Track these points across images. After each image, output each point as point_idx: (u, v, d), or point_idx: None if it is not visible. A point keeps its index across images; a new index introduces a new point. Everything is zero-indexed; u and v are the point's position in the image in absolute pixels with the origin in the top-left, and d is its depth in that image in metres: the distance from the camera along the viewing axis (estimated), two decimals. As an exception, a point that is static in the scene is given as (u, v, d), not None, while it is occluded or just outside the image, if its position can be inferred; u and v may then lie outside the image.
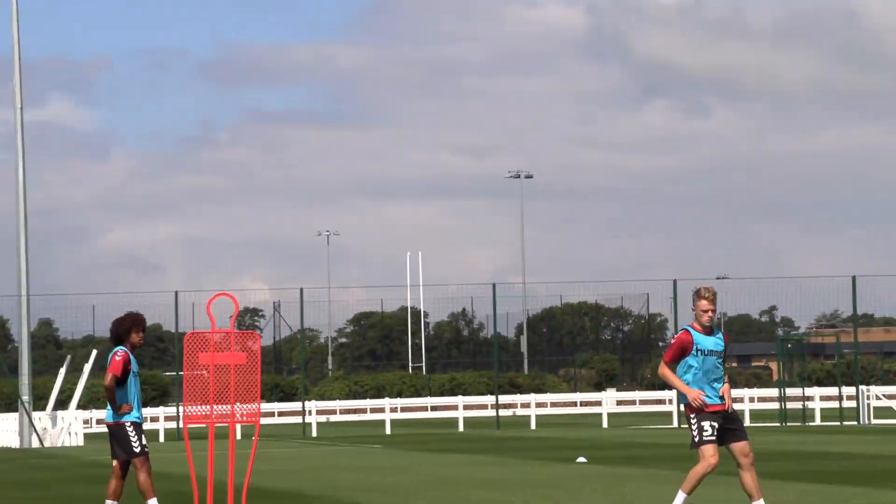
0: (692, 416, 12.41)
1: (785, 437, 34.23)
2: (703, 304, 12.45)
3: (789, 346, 55.52)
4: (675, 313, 51.76)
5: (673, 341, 12.60)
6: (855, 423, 46.13)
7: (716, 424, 12.34)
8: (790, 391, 49.97)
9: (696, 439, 12.39)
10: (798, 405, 48.87)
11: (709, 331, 12.51)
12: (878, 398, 50.41)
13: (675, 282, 49.52)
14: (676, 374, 12.49)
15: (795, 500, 14.99)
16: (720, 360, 12.48)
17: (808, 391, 51.98)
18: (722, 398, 12.41)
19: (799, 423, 46.07)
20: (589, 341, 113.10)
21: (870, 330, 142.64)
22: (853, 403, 48.01)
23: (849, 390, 49.98)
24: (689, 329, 12.53)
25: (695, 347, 12.41)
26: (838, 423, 45.51)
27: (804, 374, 63.25)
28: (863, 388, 48.61)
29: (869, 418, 47.40)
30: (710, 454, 12.30)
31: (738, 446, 12.44)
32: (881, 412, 49.73)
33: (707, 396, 12.40)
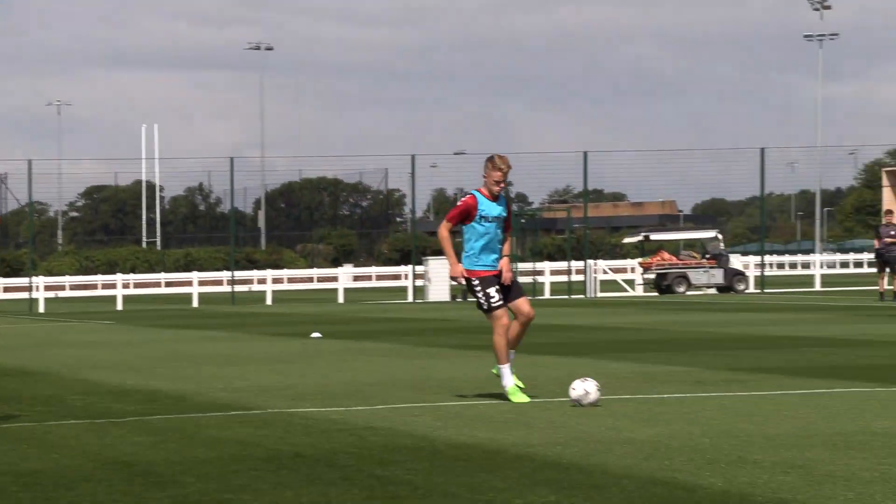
0: (475, 283, 12.57)
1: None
2: (498, 174, 12.52)
3: (523, 221, 56.69)
4: (413, 189, 52.21)
5: (459, 203, 12.60)
6: (583, 296, 47.57)
7: (499, 287, 12.56)
8: (522, 265, 51.22)
9: (486, 306, 12.56)
10: (529, 279, 50.18)
11: (494, 198, 12.62)
12: (605, 272, 52.07)
13: (413, 157, 49.89)
14: (465, 241, 12.63)
15: (524, 373, 15.38)
16: (502, 229, 12.64)
17: (539, 266, 53.39)
18: (496, 265, 12.62)
19: (529, 297, 47.26)
20: (327, 217, 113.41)
21: (599, 205, 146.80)
22: (582, 277, 49.47)
23: (578, 264, 51.45)
24: (477, 194, 12.59)
25: (479, 214, 12.52)
26: (567, 297, 46.88)
27: (536, 248, 64.76)
28: (591, 262, 50.08)
29: (596, 291, 48.94)
30: (501, 315, 12.53)
31: (519, 303, 12.68)
32: (607, 285, 51.41)
33: (484, 265, 12.58)
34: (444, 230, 12.75)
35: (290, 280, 58.17)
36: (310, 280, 59.20)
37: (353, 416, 11.76)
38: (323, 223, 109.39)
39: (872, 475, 8.20)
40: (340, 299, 48.78)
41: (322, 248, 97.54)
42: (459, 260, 12.70)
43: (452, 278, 12.78)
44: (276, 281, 54.40)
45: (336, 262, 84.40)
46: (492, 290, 12.53)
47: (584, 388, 12.11)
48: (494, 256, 12.63)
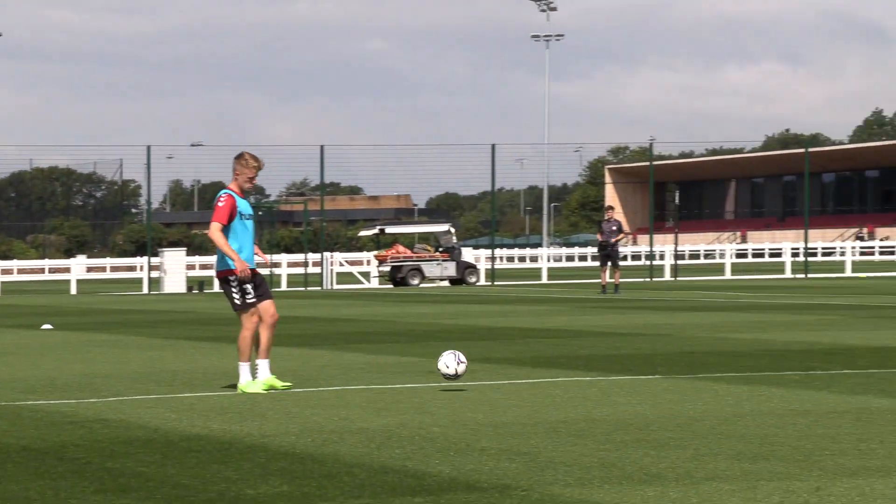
0: (232, 279, 12.51)
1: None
2: (251, 172, 12.56)
3: (260, 213, 56.41)
4: (148, 180, 51.32)
5: (222, 205, 12.49)
6: (319, 288, 47.59)
7: (254, 284, 12.56)
8: (257, 258, 50.85)
9: (240, 302, 12.52)
10: (266, 271, 49.96)
11: (244, 195, 12.66)
12: (341, 264, 52.22)
13: (148, 148, 49.06)
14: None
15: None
16: (254, 223, 12.72)
17: (277, 258, 53.16)
18: (254, 263, 12.70)
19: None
20: (59, 207, 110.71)
21: (336, 198, 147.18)
22: (318, 269, 49.47)
23: (314, 257, 51.44)
24: (231, 192, 12.58)
25: (238, 212, 12.53)
26: (304, 289, 46.84)
27: (273, 240, 64.52)
28: (327, 254, 50.16)
29: (332, 283, 49.02)
30: (254, 312, 12.53)
31: (265, 305, 12.64)
32: (344, 277, 51.57)
33: (248, 259, 12.60)
34: (217, 232, 12.53)
35: (21, 271, 56.56)
36: (41, 271, 57.66)
37: (84, 408, 11.52)
38: (55, 213, 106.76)
39: (592, 461, 8.44)
40: (73, 290, 47.65)
41: (54, 238, 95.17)
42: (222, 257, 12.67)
43: (241, 273, 12.52)
44: (6, 272, 52.81)
45: (69, 253, 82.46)
46: (248, 287, 12.56)
47: (455, 369, 12.39)
48: (249, 253, 12.65)
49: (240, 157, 12.66)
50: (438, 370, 12.54)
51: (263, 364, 12.62)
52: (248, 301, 12.54)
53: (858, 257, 68.99)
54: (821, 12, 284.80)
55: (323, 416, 10.75)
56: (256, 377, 12.63)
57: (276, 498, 7.40)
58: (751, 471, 8.02)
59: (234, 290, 12.53)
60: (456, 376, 12.52)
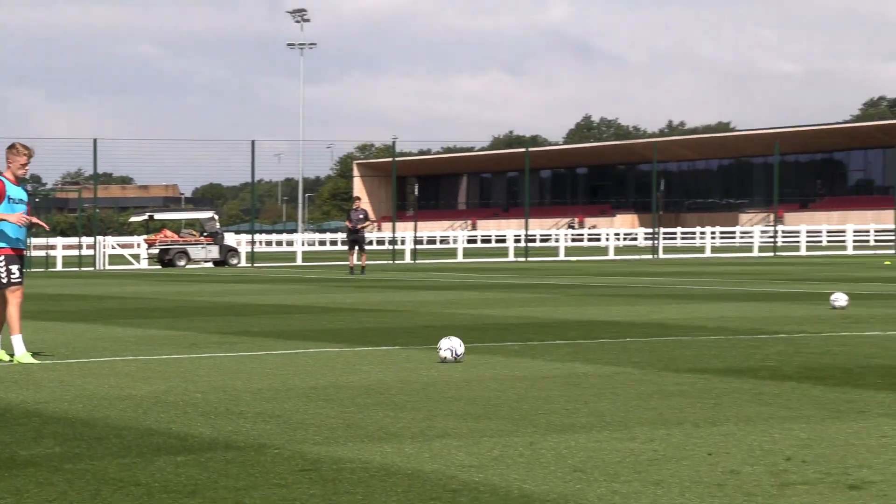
0: (0, 259, 12.28)
1: (28, 282, 33.69)
2: (23, 159, 12.34)
3: (37, 200, 54.69)
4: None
5: None
6: (93, 268, 46.42)
7: (19, 266, 12.36)
8: (36, 241, 49.39)
9: (5, 280, 12.31)
10: (42, 253, 48.52)
11: (18, 182, 12.43)
12: (113, 247, 51.11)
13: (-70, 139, 47.04)
14: None
15: (34, 337, 14.86)
16: (26, 208, 12.47)
17: (53, 241, 51.66)
18: (25, 244, 12.47)
19: (43, 269, 45.66)
20: None
21: (109, 187, 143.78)
22: (92, 252, 48.30)
23: (88, 240, 50.18)
24: (3, 179, 12.35)
25: (7, 196, 12.30)
26: (78, 269, 45.60)
27: (49, 225, 62.58)
28: (100, 238, 49.01)
29: (105, 265, 47.89)
30: (15, 290, 12.33)
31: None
32: (115, 259, 50.43)
33: (10, 244, 12.36)
34: None
35: None
36: None
37: None
38: None
39: (338, 422, 8.47)
40: None
41: None
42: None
43: (19, 222, 12.29)
44: None
45: None
46: (14, 267, 12.39)
47: (450, 347, 11.89)
48: (21, 237, 12.46)
49: (11, 147, 12.54)
50: (446, 355, 11.92)
51: None
52: (14, 280, 12.39)
53: (570, 243, 70.88)
54: (537, 29, 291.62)
55: (95, 385, 10.50)
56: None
57: (49, 458, 7.20)
58: (476, 428, 8.17)
59: (1, 269, 12.33)
60: (448, 359, 11.89)
